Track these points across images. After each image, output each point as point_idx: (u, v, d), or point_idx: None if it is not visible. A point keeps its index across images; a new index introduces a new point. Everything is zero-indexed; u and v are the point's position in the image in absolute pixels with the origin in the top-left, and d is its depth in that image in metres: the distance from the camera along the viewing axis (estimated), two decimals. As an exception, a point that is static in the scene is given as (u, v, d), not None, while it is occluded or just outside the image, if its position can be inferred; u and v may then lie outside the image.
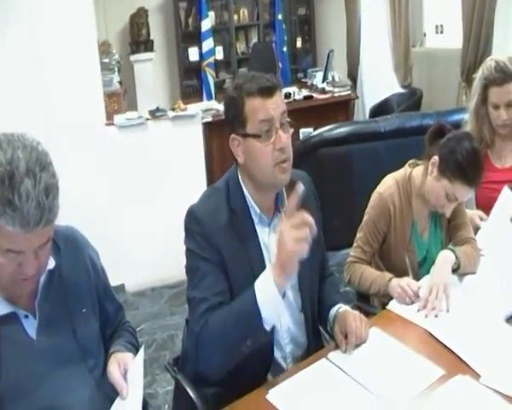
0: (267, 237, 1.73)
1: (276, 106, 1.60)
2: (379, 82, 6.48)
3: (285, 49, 7.75)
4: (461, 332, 1.73)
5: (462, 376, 1.53)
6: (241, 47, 8.06)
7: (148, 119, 4.16)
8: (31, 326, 1.40)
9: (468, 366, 1.57)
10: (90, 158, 3.91)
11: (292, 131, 1.66)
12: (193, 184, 4.12)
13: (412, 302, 1.91)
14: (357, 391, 1.52)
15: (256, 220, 1.72)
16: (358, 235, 2.22)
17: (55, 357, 1.41)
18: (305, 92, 5.95)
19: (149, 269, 4.13)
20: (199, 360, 1.62)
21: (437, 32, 6.03)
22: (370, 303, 2.23)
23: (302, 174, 1.90)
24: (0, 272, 1.29)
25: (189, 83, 7.76)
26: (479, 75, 2.50)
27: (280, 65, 7.39)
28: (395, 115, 3.99)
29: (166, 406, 2.90)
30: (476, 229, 2.36)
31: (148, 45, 7.28)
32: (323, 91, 5.93)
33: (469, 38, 4.75)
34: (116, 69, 6.20)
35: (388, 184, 2.18)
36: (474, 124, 2.52)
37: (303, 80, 7.26)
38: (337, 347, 1.71)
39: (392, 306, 1.95)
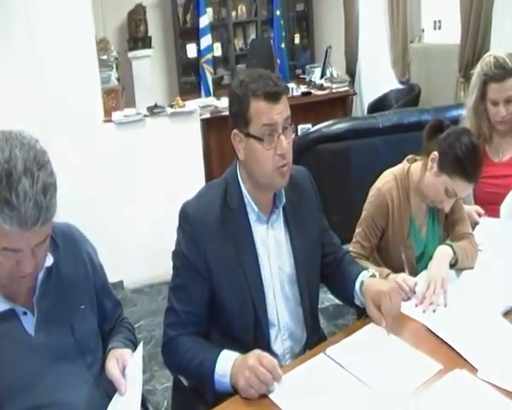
0: (265, 234, 1.74)
1: (280, 111, 1.60)
2: (377, 78, 6.48)
3: (283, 45, 7.75)
4: (458, 327, 1.73)
5: (460, 370, 1.53)
6: (239, 43, 8.05)
7: (146, 115, 4.16)
8: (29, 323, 1.40)
9: (466, 361, 1.57)
10: (89, 155, 3.91)
11: (294, 136, 1.67)
12: (191, 181, 4.10)
13: (408, 298, 1.90)
14: (355, 386, 1.52)
15: (254, 218, 1.72)
16: (357, 230, 2.22)
17: (53, 354, 1.41)
18: (303, 88, 5.96)
19: (148, 266, 4.13)
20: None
21: (435, 28, 6.03)
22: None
23: (301, 170, 1.91)
24: None
25: (187, 79, 7.75)
26: (477, 71, 2.49)
27: (278, 61, 7.38)
28: (393, 111, 3.99)
29: (165, 402, 2.91)
30: (474, 224, 2.36)
31: (146, 42, 7.27)
32: (321, 87, 5.93)
33: (467, 34, 4.75)
34: (114, 66, 6.19)
35: (386, 179, 2.19)
36: (473, 120, 2.51)
37: (301, 76, 7.25)
38: (335, 342, 1.71)
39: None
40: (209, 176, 4.69)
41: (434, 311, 1.83)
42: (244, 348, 1.59)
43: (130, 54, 7.13)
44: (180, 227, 1.71)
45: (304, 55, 8.27)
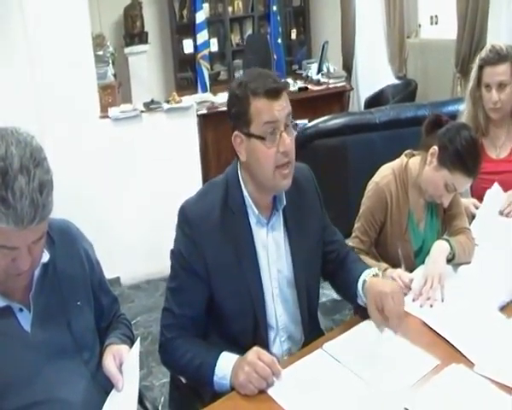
0: (265, 237, 1.73)
1: (281, 108, 1.58)
2: (374, 73, 6.47)
3: (280, 40, 7.73)
4: (455, 322, 1.73)
5: (457, 365, 1.54)
6: (235, 39, 8.04)
7: (142, 111, 4.15)
8: (25, 320, 1.40)
9: (462, 355, 1.58)
10: (85, 151, 3.90)
11: (295, 133, 1.65)
12: (188, 176, 4.12)
13: (404, 294, 1.90)
14: (352, 381, 1.52)
15: (254, 221, 1.71)
16: (356, 225, 2.22)
17: (49, 350, 1.41)
18: (300, 84, 5.94)
19: (145, 262, 4.13)
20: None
21: (432, 23, 6.04)
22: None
23: (302, 167, 1.88)
24: None
25: (184, 75, 7.74)
26: (477, 59, 2.54)
27: (275, 57, 7.38)
28: (390, 106, 3.99)
29: (162, 398, 2.91)
30: (471, 217, 2.37)
31: (142, 38, 7.25)
32: (318, 83, 5.92)
33: (464, 29, 4.75)
34: (110, 62, 6.18)
35: (385, 173, 2.19)
36: (470, 108, 2.54)
37: (298, 72, 7.25)
38: (332, 337, 1.72)
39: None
40: (206, 171, 4.69)
41: (431, 306, 1.83)
42: (242, 350, 1.58)
43: (127, 49, 7.12)
44: (179, 227, 1.69)
45: (300, 50, 8.27)
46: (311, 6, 8.16)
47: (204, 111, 5.11)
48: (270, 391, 1.49)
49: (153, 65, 7.46)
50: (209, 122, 5.13)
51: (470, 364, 1.54)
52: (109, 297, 1.69)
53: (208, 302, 1.70)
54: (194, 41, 7.44)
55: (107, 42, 6.50)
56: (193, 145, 4.31)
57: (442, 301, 1.86)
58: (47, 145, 1.31)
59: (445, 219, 2.24)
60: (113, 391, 1.46)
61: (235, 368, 1.53)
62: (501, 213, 2.39)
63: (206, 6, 7.55)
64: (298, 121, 5.17)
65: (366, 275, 1.74)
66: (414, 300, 1.87)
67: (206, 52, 7.43)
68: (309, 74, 6.19)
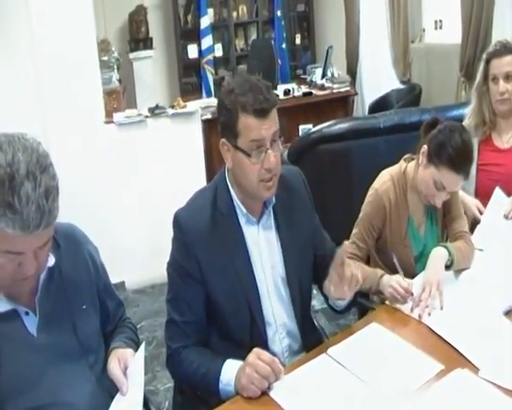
0: (256, 235, 1.75)
1: (268, 126, 1.59)
2: (378, 78, 6.48)
3: (284, 45, 7.74)
4: (459, 326, 1.73)
5: (461, 369, 1.54)
6: (240, 44, 8.05)
7: (147, 116, 4.16)
8: (31, 323, 1.40)
9: (467, 360, 1.58)
10: (90, 156, 3.91)
11: (281, 149, 1.68)
12: (192, 182, 4.10)
13: (405, 301, 1.88)
14: (356, 386, 1.52)
15: (243, 220, 1.74)
16: (354, 231, 2.22)
17: (55, 353, 1.42)
18: (304, 89, 5.96)
19: (149, 266, 4.12)
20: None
21: (436, 28, 6.04)
22: (370, 299, 2.23)
23: (293, 169, 1.92)
24: (0, 271, 1.29)
25: (189, 80, 7.75)
26: (483, 55, 2.57)
27: (279, 61, 7.38)
28: (394, 111, 3.99)
29: (167, 402, 2.91)
30: (474, 220, 2.36)
31: (147, 43, 7.27)
32: (323, 88, 5.93)
33: (468, 34, 4.75)
34: (115, 67, 6.20)
35: (383, 179, 2.19)
36: (476, 103, 2.55)
37: (302, 77, 7.25)
38: (336, 342, 1.72)
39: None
40: (210, 176, 4.67)
41: (430, 314, 1.82)
42: (242, 348, 1.61)
43: (132, 55, 7.14)
44: (173, 235, 1.73)
45: (305, 55, 8.27)
46: (315, 11, 8.16)
47: (208, 116, 5.12)
48: (275, 395, 1.49)
49: (157, 70, 7.48)
50: (213, 127, 5.13)
51: (475, 369, 1.54)
52: (115, 301, 1.70)
53: (206, 303, 1.72)
54: (199, 46, 7.46)
55: (112, 47, 6.52)
56: (197, 150, 4.32)
57: (441, 308, 1.85)
58: (52, 150, 1.32)
59: (445, 223, 2.23)
60: (118, 395, 1.46)
61: (238, 373, 1.54)
62: (506, 216, 2.38)
63: (210, 11, 7.57)
64: (302, 126, 5.18)
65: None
66: (412, 309, 1.86)
67: (210, 57, 7.45)
68: (313, 79, 6.20)
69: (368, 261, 2.26)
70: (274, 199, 1.75)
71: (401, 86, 6.08)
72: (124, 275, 4.08)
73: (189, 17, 7.60)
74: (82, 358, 1.47)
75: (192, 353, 1.69)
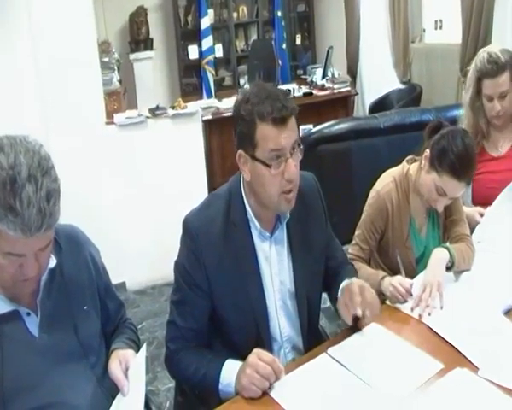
0: (268, 250, 1.72)
1: (288, 135, 1.54)
2: (378, 78, 6.48)
3: (284, 46, 7.75)
4: (459, 325, 1.73)
5: (461, 369, 1.54)
6: (240, 44, 8.06)
7: (148, 117, 4.17)
8: (33, 324, 1.41)
9: (467, 359, 1.58)
10: (91, 157, 3.92)
11: (301, 158, 1.61)
12: (193, 182, 4.13)
13: (405, 301, 1.89)
14: (356, 385, 1.52)
15: (256, 234, 1.70)
16: (356, 232, 2.22)
17: (56, 354, 1.42)
18: (304, 89, 5.97)
19: (150, 267, 4.14)
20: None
21: (436, 28, 6.04)
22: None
23: (308, 177, 1.85)
24: (1, 272, 1.30)
25: (189, 81, 7.76)
26: (472, 67, 2.49)
27: (279, 62, 7.38)
28: (395, 111, 3.98)
29: (168, 403, 2.92)
30: (475, 225, 2.35)
31: (147, 44, 7.28)
32: (323, 88, 5.94)
33: (468, 34, 4.76)
34: (116, 68, 6.21)
35: (386, 181, 2.19)
36: (471, 117, 2.51)
37: (302, 77, 7.26)
38: (337, 341, 1.72)
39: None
40: (211, 177, 4.70)
41: (430, 314, 1.82)
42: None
43: (132, 56, 7.15)
44: (182, 239, 1.69)
45: (305, 55, 8.28)
46: (315, 11, 8.17)
47: (209, 117, 5.13)
48: (275, 395, 1.50)
49: (158, 71, 7.49)
50: (214, 128, 5.15)
51: (474, 368, 1.54)
52: (115, 302, 1.70)
53: (211, 314, 1.71)
54: (199, 47, 7.47)
55: (113, 48, 6.53)
56: (198, 151, 4.32)
57: (441, 308, 1.85)
58: (53, 152, 1.32)
59: (446, 226, 2.23)
60: (119, 396, 1.46)
61: (238, 374, 1.54)
62: None
63: (210, 12, 7.58)
64: (302, 126, 5.19)
65: (345, 282, 1.73)
66: (413, 309, 1.86)
67: (210, 58, 7.46)
68: (314, 79, 6.20)
69: (369, 263, 2.26)
70: (288, 214, 1.71)
71: (401, 86, 6.09)
72: (124, 276, 4.08)
73: (190, 18, 7.61)
74: (83, 358, 1.48)
75: (191, 354, 1.68)
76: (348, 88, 6.02)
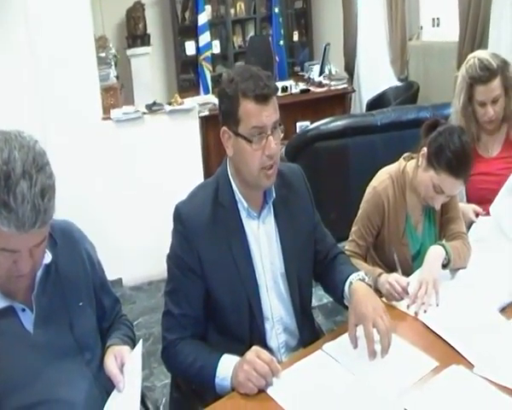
0: (257, 230, 1.76)
1: (269, 114, 1.61)
2: (376, 75, 6.48)
3: (282, 42, 7.75)
4: (455, 323, 1.74)
5: (456, 366, 1.54)
6: (237, 41, 8.05)
7: (144, 113, 4.16)
8: (28, 320, 1.41)
9: (462, 356, 1.58)
10: (87, 152, 3.91)
11: (282, 136, 1.68)
12: (190, 178, 4.08)
13: (401, 299, 1.89)
14: (351, 382, 1.53)
15: (244, 214, 1.74)
16: (353, 229, 2.23)
17: (51, 350, 1.42)
18: (301, 86, 5.96)
19: (146, 263, 4.13)
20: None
21: (433, 25, 6.04)
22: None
23: (293, 167, 1.93)
24: None
25: (186, 77, 7.75)
26: (462, 74, 2.48)
27: (277, 58, 7.39)
28: (392, 108, 3.99)
29: (164, 399, 2.91)
30: (470, 223, 2.36)
31: (144, 39, 7.27)
32: (320, 85, 5.94)
33: (465, 31, 4.76)
34: (113, 63, 6.18)
35: (382, 178, 2.19)
36: (463, 123, 2.47)
37: (300, 74, 7.25)
38: (332, 338, 1.72)
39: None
40: (208, 173, 4.68)
41: (426, 312, 1.82)
42: (240, 343, 1.63)
43: (129, 51, 7.14)
44: (174, 228, 1.74)
45: (302, 52, 8.28)
46: (312, 8, 8.17)
47: (206, 113, 5.13)
48: (270, 391, 1.50)
49: (155, 67, 7.48)
50: (211, 124, 5.14)
51: (470, 365, 1.55)
52: (111, 298, 1.70)
53: (205, 297, 1.73)
54: (197, 43, 7.46)
55: (110, 44, 6.51)
56: (195, 147, 4.32)
57: (437, 305, 1.85)
58: (49, 147, 1.31)
59: (442, 223, 2.23)
60: (115, 392, 1.46)
61: (235, 369, 1.55)
62: None
63: (208, 8, 7.57)
64: (299, 123, 5.18)
65: (353, 278, 1.75)
66: (409, 306, 1.86)
67: (208, 54, 7.46)
68: (311, 76, 6.20)
69: (365, 260, 2.27)
70: (274, 194, 1.76)
71: (398, 84, 6.08)
72: (121, 272, 4.08)
73: (187, 14, 7.60)
74: (78, 355, 1.48)
75: (188, 345, 1.70)
76: (345, 85, 6.02)
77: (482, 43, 4.58)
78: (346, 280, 1.76)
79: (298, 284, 1.81)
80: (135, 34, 7.22)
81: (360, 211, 2.22)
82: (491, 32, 4.51)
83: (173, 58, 7.68)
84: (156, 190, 4.12)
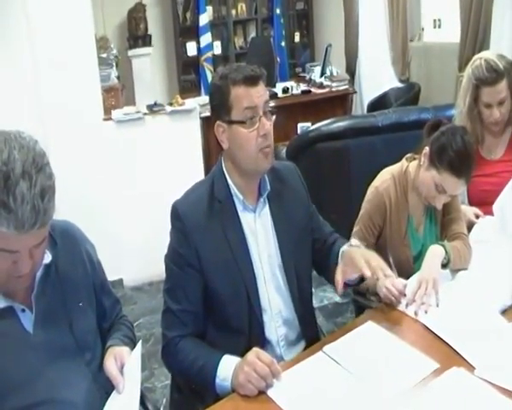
0: (253, 223, 1.78)
1: (259, 94, 1.66)
2: (377, 76, 6.47)
3: (283, 43, 7.74)
4: (456, 325, 1.73)
5: (457, 368, 1.54)
6: (239, 42, 8.04)
7: (145, 114, 4.16)
8: (27, 320, 1.40)
9: (463, 359, 1.58)
10: (88, 153, 3.91)
11: (274, 118, 1.71)
12: (191, 179, 4.07)
13: (399, 302, 1.88)
14: (352, 384, 1.52)
15: (240, 208, 1.76)
16: (354, 229, 2.22)
17: (51, 351, 1.42)
18: (303, 87, 5.96)
19: (147, 264, 4.11)
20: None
21: (435, 27, 6.04)
22: (367, 297, 2.23)
23: (287, 164, 1.97)
24: None
25: (187, 78, 7.75)
26: (468, 75, 2.47)
27: (278, 59, 7.37)
28: (393, 110, 3.98)
29: (164, 399, 2.91)
30: (470, 225, 2.35)
31: (145, 40, 7.26)
32: (321, 86, 5.94)
33: (467, 33, 4.75)
34: (114, 64, 6.19)
35: (384, 178, 2.19)
36: (468, 124, 2.46)
37: (301, 75, 7.26)
38: (333, 340, 1.72)
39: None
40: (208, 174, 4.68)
41: (426, 312, 1.82)
42: (239, 337, 1.65)
43: (130, 52, 7.13)
44: (172, 226, 1.76)
45: (304, 53, 8.27)
46: (314, 9, 8.16)
47: (207, 114, 5.10)
48: (271, 393, 1.50)
49: (156, 67, 7.47)
50: (212, 125, 5.14)
51: (471, 367, 1.54)
52: (111, 298, 1.70)
53: (204, 292, 1.74)
54: (198, 44, 7.46)
55: (111, 44, 6.51)
56: (196, 148, 4.32)
57: (437, 306, 1.85)
58: (50, 147, 1.31)
59: (443, 224, 2.23)
60: (114, 393, 1.46)
61: (235, 370, 1.54)
62: None
63: (209, 9, 7.56)
64: (300, 124, 5.17)
65: (344, 246, 1.79)
66: (407, 305, 1.86)
67: (209, 55, 7.45)
68: (312, 77, 6.20)
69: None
70: (269, 187, 1.78)
71: (400, 85, 6.08)
72: (122, 272, 4.08)
73: (188, 14, 7.59)
74: (78, 355, 1.47)
75: (189, 344, 1.70)
76: (346, 86, 6.02)
77: (483, 45, 4.57)
78: (338, 252, 1.80)
79: (296, 276, 1.83)
80: (136, 35, 7.21)
81: (362, 211, 2.22)
82: (493, 33, 4.51)
83: (174, 59, 7.67)
84: (157, 191, 4.12)
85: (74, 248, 1.54)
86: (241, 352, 1.58)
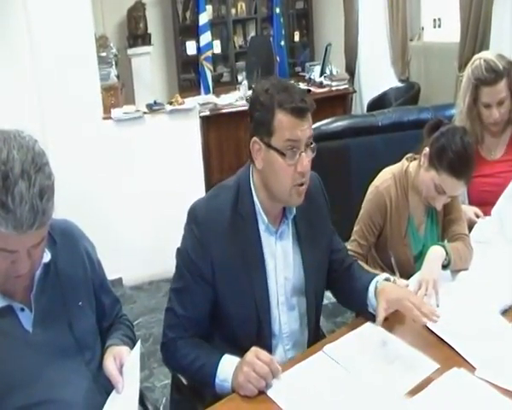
0: (273, 245, 1.72)
1: (305, 128, 1.56)
2: (377, 76, 6.48)
3: (283, 42, 7.74)
4: (457, 325, 1.73)
5: (458, 369, 1.53)
6: (238, 41, 8.05)
7: (145, 112, 4.15)
8: (27, 319, 1.40)
9: (464, 359, 1.57)
10: (88, 152, 3.90)
11: (314, 154, 1.63)
12: (190, 178, 4.12)
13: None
14: (352, 384, 1.52)
15: (263, 228, 1.70)
16: (355, 228, 2.22)
17: (51, 350, 1.41)
18: (302, 86, 5.94)
19: (147, 263, 4.13)
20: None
21: (435, 26, 6.04)
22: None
23: (312, 174, 1.80)
24: None
25: (187, 77, 7.75)
26: (467, 75, 2.46)
27: (277, 59, 7.38)
28: (392, 109, 3.99)
29: (164, 399, 2.91)
30: (471, 224, 2.35)
31: (145, 39, 7.27)
32: (321, 85, 5.93)
33: (467, 32, 4.75)
34: (113, 63, 6.18)
35: (385, 177, 2.19)
36: (468, 125, 2.46)
37: (301, 74, 7.25)
38: (333, 340, 1.71)
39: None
40: (208, 173, 4.69)
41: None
42: (245, 352, 1.57)
43: (130, 51, 7.13)
44: (188, 227, 1.68)
45: (303, 52, 8.27)
46: (314, 8, 8.16)
47: (207, 113, 5.12)
48: (271, 393, 1.49)
49: (156, 66, 7.47)
50: (212, 124, 5.14)
51: (472, 368, 1.54)
52: (111, 298, 1.69)
53: (213, 305, 1.70)
54: (198, 43, 7.47)
55: (111, 43, 6.50)
56: (195, 147, 4.31)
57: (437, 306, 1.84)
58: (49, 146, 1.31)
59: (444, 224, 2.23)
60: (114, 392, 1.46)
61: (235, 371, 1.54)
62: None
63: (209, 8, 7.57)
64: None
65: (377, 280, 1.74)
66: None
67: (209, 54, 7.45)
68: (312, 77, 6.20)
69: (366, 260, 2.26)
70: (294, 210, 1.72)
71: (399, 84, 6.09)
72: (121, 271, 4.07)
73: (188, 13, 7.60)
74: (78, 355, 1.47)
75: (189, 344, 1.67)
76: (346, 86, 6.02)
77: (483, 45, 4.57)
78: (369, 285, 1.75)
79: (315, 300, 1.80)
80: (136, 34, 7.22)
81: (362, 210, 2.21)
82: (493, 33, 4.51)
83: (174, 58, 7.68)
84: (157, 190, 4.12)
85: (74, 248, 1.54)
86: None
